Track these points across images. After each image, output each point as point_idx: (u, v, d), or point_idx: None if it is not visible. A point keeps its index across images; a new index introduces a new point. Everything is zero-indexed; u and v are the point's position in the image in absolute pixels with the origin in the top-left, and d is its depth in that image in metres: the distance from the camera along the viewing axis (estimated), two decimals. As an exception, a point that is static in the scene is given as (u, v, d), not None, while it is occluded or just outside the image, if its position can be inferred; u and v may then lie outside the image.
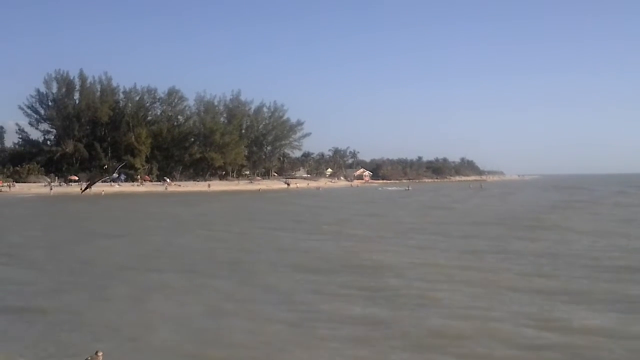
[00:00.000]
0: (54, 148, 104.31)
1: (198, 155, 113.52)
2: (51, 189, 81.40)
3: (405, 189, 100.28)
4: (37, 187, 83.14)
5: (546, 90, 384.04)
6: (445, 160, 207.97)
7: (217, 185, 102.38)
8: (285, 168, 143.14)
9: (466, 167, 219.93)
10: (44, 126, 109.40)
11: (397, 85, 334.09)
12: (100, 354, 8.69)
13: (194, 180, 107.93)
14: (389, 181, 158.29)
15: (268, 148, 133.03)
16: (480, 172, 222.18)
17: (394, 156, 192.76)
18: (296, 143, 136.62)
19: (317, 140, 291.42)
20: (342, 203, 58.78)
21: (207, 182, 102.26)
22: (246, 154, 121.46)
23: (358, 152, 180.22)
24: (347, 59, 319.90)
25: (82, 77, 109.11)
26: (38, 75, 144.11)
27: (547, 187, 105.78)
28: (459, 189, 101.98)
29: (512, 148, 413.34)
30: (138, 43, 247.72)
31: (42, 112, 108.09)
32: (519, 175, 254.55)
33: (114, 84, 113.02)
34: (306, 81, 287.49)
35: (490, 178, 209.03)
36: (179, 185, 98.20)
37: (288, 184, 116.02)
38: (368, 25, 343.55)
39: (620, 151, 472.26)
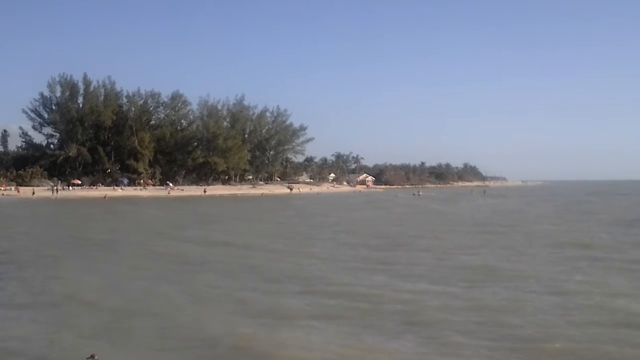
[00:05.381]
0: (57, 152, 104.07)
1: (201, 160, 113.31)
2: (54, 192, 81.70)
3: (414, 194, 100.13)
4: (40, 191, 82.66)
5: (551, 94, 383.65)
6: (448, 165, 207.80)
7: (218, 190, 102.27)
8: (288, 173, 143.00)
9: (469, 172, 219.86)
10: (48, 130, 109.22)
11: (400, 90, 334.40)
12: (96, 357, 8.28)
13: (196, 185, 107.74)
14: (391, 187, 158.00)
15: (271, 153, 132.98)
16: (483, 178, 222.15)
17: (396, 161, 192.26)
18: (299, 148, 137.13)
19: (320, 145, 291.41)
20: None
21: (203, 188, 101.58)
22: (249, 158, 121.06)
23: (362, 158, 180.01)
24: (349, 64, 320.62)
25: (86, 81, 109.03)
26: (42, 79, 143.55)
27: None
28: (470, 194, 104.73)
29: (515, 154, 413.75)
30: (140, 47, 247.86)
31: (46, 115, 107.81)
32: (522, 181, 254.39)
33: (118, 88, 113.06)
34: (309, 86, 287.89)
35: (493, 184, 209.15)
36: (182, 190, 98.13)
37: (291, 189, 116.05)
38: (371, 30, 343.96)
39: (630, 157, 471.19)
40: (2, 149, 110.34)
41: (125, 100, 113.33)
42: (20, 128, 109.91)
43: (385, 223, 36.16)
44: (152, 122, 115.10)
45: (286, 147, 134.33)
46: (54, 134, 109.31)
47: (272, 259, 19.66)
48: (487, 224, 34.93)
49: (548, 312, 11.90)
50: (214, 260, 19.62)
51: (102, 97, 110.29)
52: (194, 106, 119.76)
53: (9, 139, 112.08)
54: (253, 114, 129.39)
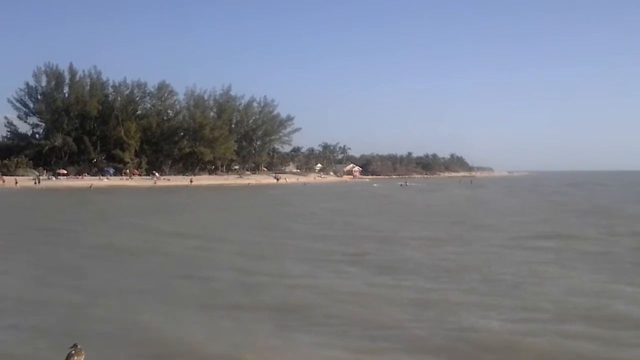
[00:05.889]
0: (42, 142, 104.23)
1: (187, 150, 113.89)
2: (37, 182, 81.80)
3: (401, 185, 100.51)
4: (24, 181, 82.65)
5: (539, 86, 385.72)
6: (435, 156, 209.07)
7: (204, 180, 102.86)
8: (275, 163, 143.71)
9: (456, 163, 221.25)
10: (33, 120, 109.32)
11: (388, 81, 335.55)
12: (80, 347, 8.00)
13: (182, 175, 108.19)
14: (378, 177, 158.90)
15: (258, 143, 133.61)
16: (469, 169, 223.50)
17: (383, 152, 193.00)
18: (286, 138, 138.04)
19: (306, 135, 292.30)
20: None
21: (190, 178, 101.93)
22: (236, 148, 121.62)
23: (349, 148, 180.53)
24: (339, 55, 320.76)
25: (72, 71, 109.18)
26: (28, 68, 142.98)
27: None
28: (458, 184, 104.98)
29: (502, 144, 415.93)
30: (132, 39, 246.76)
31: (31, 105, 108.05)
32: (508, 172, 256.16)
33: (104, 78, 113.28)
34: (298, 76, 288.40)
35: (479, 174, 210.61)
36: (168, 180, 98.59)
37: (277, 179, 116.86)
38: (360, 21, 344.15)
39: (618, 149, 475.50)
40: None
41: (111, 90, 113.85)
42: (6, 118, 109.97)
43: (360, 214, 36.85)
44: (139, 112, 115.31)
45: (273, 137, 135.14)
46: (40, 123, 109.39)
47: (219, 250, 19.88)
48: (456, 215, 35.95)
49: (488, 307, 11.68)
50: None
51: (88, 86, 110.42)
52: (181, 96, 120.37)
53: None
54: (240, 104, 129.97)
